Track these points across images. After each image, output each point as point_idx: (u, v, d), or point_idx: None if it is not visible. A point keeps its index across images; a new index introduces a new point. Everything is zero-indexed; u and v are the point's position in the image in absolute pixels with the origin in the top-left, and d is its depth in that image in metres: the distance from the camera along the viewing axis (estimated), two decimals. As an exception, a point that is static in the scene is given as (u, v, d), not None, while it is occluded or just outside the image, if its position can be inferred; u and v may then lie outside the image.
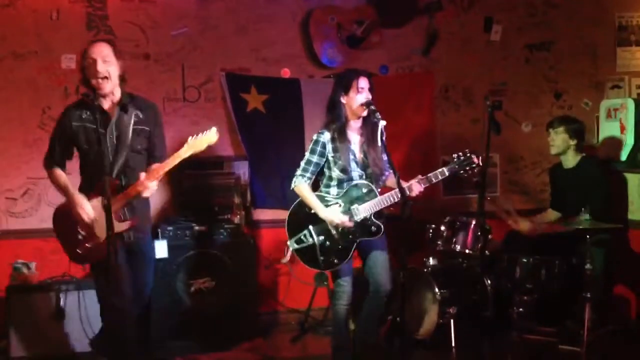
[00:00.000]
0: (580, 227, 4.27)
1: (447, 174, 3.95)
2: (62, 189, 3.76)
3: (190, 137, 3.72)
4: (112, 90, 3.69)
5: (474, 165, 3.96)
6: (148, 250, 3.97)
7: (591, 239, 4.29)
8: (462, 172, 3.98)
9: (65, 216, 3.72)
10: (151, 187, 3.65)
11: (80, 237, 3.67)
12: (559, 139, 4.91)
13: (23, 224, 4.95)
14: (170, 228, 4.84)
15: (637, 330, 4.97)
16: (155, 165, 3.77)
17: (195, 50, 5.32)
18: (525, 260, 4.66)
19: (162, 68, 5.26)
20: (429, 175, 3.95)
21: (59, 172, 3.79)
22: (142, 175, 3.67)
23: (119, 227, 3.65)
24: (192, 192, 5.14)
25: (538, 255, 4.64)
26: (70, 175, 3.85)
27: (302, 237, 4.04)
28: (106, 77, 3.62)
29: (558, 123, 4.95)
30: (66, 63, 5.00)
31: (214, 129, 3.75)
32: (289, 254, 4.07)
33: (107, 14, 5.10)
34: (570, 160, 4.95)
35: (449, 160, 4.04)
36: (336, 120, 4.04)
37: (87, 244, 3.66)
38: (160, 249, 4.69)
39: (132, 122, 3.69)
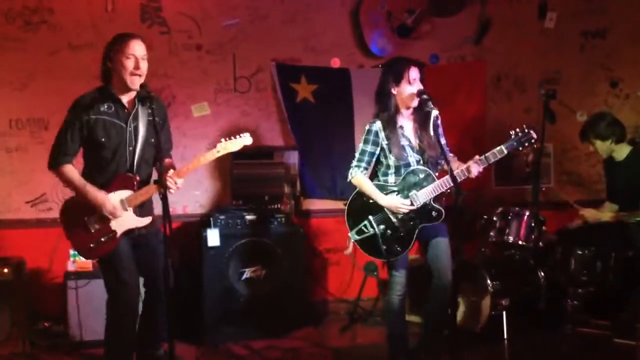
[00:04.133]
0: (638, 219, 4.17)
1: (505, 152, 3.85)
2: (79, 186, 3.62)
3: (222, 139, 3.74)
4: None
5: (533, 141, 3.86)
6: (156, 245, 3.79)
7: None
8: (521, 148, 3.88)
9: (77, 209, 3.67)
10: (178, 185, 3.63)
11: (93, 230, 3.65)
12: (600, 147, 4.83)
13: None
14: (222, 217, 4.90)
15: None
16: (185, 165, 3.78)
17: (246, 40, 5.36)
18: (580, 252, 4.58)
19: (214, 58, 5.31)
20: (487, 154, 3.86)
21: (71, 168, 3.66)
22: (171, 171, 3.67)
23: (141, 222, 3.70)
24: (243, 182, 5.19)
25: (593, 247, 4.56)
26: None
27: (362, 227, 4.02)
28: (142, 75, 3.61)
29: (591, 132, 4.83)
30: (120, 54, 5.08)
31: (248, 135, 3.78)
32: (352, 245, 4.06)
33: (160, 6, 5.17)
34: (620, 153, 4.84)
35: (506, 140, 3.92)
36: (386, 110, 4.01)
37: (101, 238, 3.64)
38: (213, 237, 4.76)
39: (147, 114, 3.65)
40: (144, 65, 3.62)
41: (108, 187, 3.66)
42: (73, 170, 3.67)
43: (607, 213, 4.82)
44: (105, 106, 3.64)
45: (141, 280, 3.85)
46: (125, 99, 3.68)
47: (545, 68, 5.84)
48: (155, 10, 5.17)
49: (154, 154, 3.78)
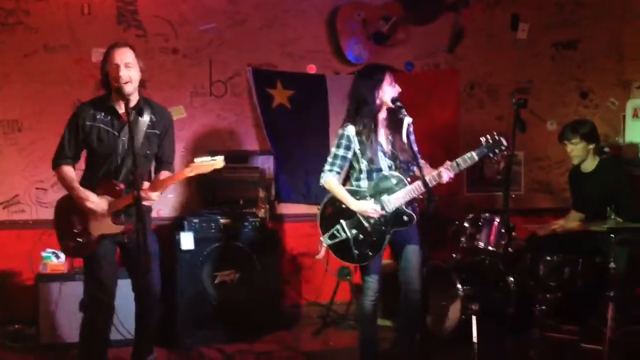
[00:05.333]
0: (607, 226, 4.23)
1: (476, 158, 3.87)
2: (68, 185, 3.77)
3: (196, 159, 3.69)
4: (131, 94, 3.69)
5: (503, 148, 3.88)
6: (151, 249, 3.75)
7: (616, 238, 4.26)
8: (491, 155, 3.89)
9: (66, 208, 3.79)
10: (152, 198, 3.70)
11: (75, 230, 3.74)
12: (578, 148, 4.80)
13: (53, 214, 5.03)
14: (196, 220, 4.90)
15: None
16: (161, 177, 3.82)
17: (222, 45, 5.38)
18: (548, 258, 4.64)
19: (190, 62, 5.33)
20: (457, 160, 3.87)
21: (68, 168, 3.80)
22: (146, 184, 3.73)
23: (114, 228, 3.72)
24: (218, 186, 5.20)
25: (562, 254, 4.63)
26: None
27: (334, 232, 4.03)
28: (128, 82, 3.64)
29: (571, 133, 4.80)
30: (96, 57, 5.06)
31: (221, 158, 3.69)
32: (324, 250, 4.08)
33: (137, 9, 5.18)
34: (590, 164, 4.89)
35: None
36: (365, 114, 4.03)
37: (79, 239, 3.73)
38: (187, 240, 4.77)
39: (146, 126, 3.74)
40: (126, 73, 3.63)
41: (92, 192, 3.73)
42: (68, 171, 3.78)
43: (573, 223, 4.91)
44: (103, 114, 3.73)
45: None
46: (122, 109, 3.71)
47: (518, 77, 5.94)
48: (132, 14, 5.18)
49: (148, 165, 3.87)
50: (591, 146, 4.81)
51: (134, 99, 3.74)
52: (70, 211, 3.77)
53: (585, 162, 4.89)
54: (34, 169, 5.08)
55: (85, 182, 3.79)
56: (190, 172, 3.68)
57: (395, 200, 3.95)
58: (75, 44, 5.10)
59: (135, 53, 3.74)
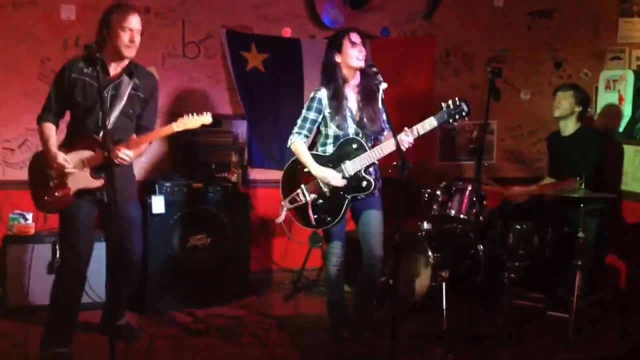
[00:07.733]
0: (575, 195, 4.29)
1: (436, 123, 3.87)
2: (43, 144, 3.79)
3: (185, 115, 3.84)
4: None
5: (464, 114, 3.86)
6: (132, 215, 3.94)
7: (585, 208, 4.32)
8: (451, 120, 3.89)
9: (41, 163, 3.80)
10: (126, 155, 3.71)
11: (52, 184, 3.74)
12: (566, 102, 4.93)
13: (20, 175, 4.92)
14: (167, 184, 4.84)
15: (626, 299, 5.05)
16: (138, 137, 3.87)
17: (196, 5, 5.26)
18: (518, 226, 4.70)
19: (163, 23, 5.20)
20: (416, 126, 3.87)
21: (49, 125, 3.81)
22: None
23: (91, 182, 3.73)
24: (190, 149, 5.14)
25: (531, 222, 4.69)
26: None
27: (295, 196, 4.05)
28: (135, 48, 3.80)
29: (568, 87, 5.01)
30: (65, 14, 4.94)
31: (209, 114, 3.87)
32: (284, 213, 4.08)
33: (108, -35, 5.03)
34: (570, 127, 4.98)
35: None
36: (332, 81, 4.01)
37: (56, 193, 3.74)
38: (157, 204, 4.71)
39: (130, 87, 3.80)
40: (137, 39, 3.78)
41: (74, 146, 3.76)
42: (47, 129, 3.78)
43: (533, 186, 5.01)
44: (90, 69, 3.74)
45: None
46: (113, 68, 3.82)
47: (493, 46, 5.92)
48: (103, -30, 5.03)
49: (130, 124, 3.89)
50: (578, 109, 4.92)
51: (124, 61, 3.84)
52: (46, 165, 3.76)
53: (566, 125, 4.96)
54: (1, 128, 4.95)
55: (69, 137, 3.83)
56: (177, 127, 3.82)
57: (353, 166, 3.94)
58: (43, 0, 4.94)
59: None
